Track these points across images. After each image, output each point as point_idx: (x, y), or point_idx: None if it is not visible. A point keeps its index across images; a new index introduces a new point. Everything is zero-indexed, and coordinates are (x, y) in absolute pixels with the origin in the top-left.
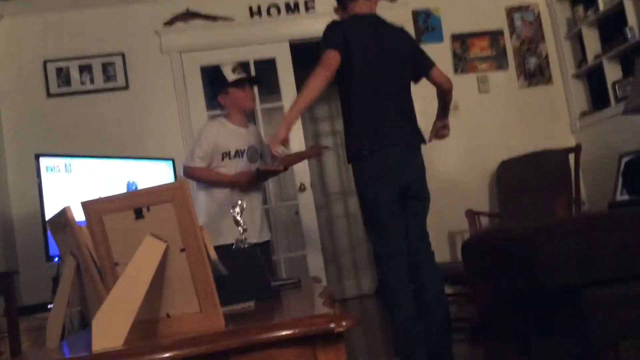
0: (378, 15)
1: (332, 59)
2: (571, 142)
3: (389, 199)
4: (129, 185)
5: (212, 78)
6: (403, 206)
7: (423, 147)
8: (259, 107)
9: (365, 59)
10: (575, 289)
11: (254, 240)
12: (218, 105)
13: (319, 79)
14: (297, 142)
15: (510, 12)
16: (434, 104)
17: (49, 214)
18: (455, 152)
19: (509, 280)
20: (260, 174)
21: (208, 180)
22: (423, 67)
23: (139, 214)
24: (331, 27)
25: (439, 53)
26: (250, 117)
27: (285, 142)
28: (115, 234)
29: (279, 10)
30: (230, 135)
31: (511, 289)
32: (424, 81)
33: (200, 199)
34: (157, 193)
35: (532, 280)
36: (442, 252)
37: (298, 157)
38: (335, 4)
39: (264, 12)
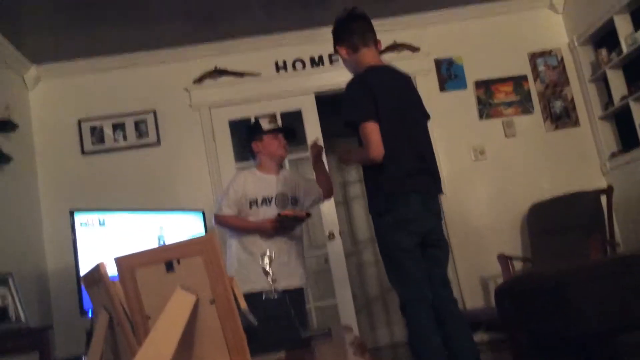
0: (391, 66)
1: (377, 134)
2: (602, 184)
3: (412, 245)
4: (159, 238)
5: (249, 126)
6: (424, 254)
7: (452, 193)
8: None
9: (389, 115)
10: (611, 333)
11: (282, 283)
12: (250, 152)
13: (371, 158)
14: None
15: (533, 57)
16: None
17: (83, 268)
18: (484, 197)
19: (543, 325)
20: (283, 220)
21: (235, 227)
22: None
23: (169, 267)
24: (359, 90)
25: (463, 99)
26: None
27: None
28: (147, 288)
29: (304, 64)
30: (257, 182)
31: (546, 333)
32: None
33: (233, 247)
34: (187, 246)
35: (567, 325)
36: (475, 298)
37: (321, 173)
38: (337, 43)
39: (289, 67)
